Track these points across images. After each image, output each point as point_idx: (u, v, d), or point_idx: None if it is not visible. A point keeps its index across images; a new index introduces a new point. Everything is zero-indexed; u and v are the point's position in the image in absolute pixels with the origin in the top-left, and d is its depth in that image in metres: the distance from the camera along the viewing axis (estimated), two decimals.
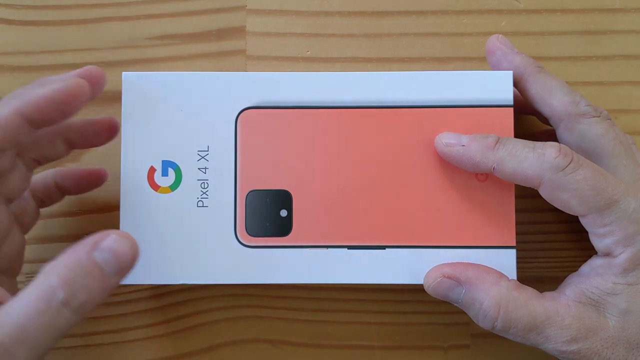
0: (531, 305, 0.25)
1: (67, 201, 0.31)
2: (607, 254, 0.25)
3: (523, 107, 0.30)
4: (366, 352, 0.31)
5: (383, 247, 0.28)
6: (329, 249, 0.28)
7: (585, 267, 0.26)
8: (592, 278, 0.25)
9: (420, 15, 0.33)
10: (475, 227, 0.27)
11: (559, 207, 0.25)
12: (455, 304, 0.27)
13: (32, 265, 0.31)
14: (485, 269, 0.27)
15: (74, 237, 0.31)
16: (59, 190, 0.30)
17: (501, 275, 0.26)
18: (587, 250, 0.31)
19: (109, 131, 0.29)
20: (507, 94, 0.28)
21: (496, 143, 0.26)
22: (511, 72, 0.28)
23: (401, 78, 0.28)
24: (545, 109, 0.28)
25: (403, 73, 0.28)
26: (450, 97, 0.28)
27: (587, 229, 0.26)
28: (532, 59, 0.28)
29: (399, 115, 0.28)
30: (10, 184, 0.26)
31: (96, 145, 0.29)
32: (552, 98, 0.27)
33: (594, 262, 0.26)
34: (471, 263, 0.27)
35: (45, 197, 0.30)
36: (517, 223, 0.27)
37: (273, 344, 0.31)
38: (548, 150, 0.25)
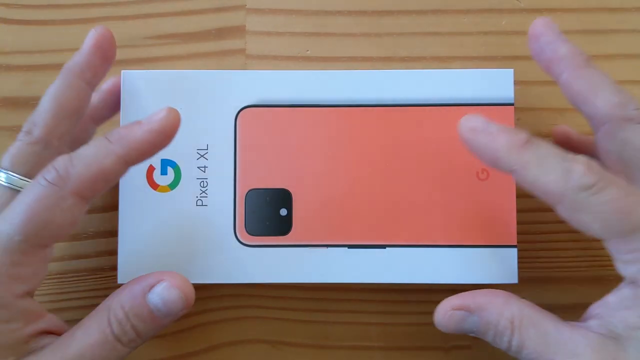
0: (544, 326, 0.23)
1: None
2: (633, 282, 0.23)
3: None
4: (366, 352, 0.31)
5: (383, 247, 0.28)
6: (329, 249, 0.27)
7: (610, 298, 0.24)
8: (617, 311, 0.23)
9: (420, 15, 0.33)
10: (476, 226, 0.27)
11: (577, 228, 0.23)
12: (472, 334, 0.25)
13: None
14: (494, 291, 0.25)
15: (73, 236, 0.31)
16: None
17: (511, 295, 0.25)
18: (588, 250, 0.31)
19: (115, 92, 0.29)
20: (507, 92, 0.28)
21: (526, 142, 0.23)
22: (512, 70, 0.28)
23: (402, 76, 0.28)
24: (586, 109, 0.25)
25: (404, 71, 0.28)
26: (451, 95, 0.28)
27: (611, 254, 0.23)
28: (579, 49, 0.25)
29: (399, 113, 0.28)
30: None
31: (115, 111, 0.30)
32: (597, 97, 0.24)
33: (621, 293, 0.23)
34: (478, 290, 0.25)
35: None
36: (519, 222, 0.27)
37: (273, 345, 0.31)
38: (576, 165, 0.22)
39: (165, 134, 0.24)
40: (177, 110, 0.24)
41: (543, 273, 0.31)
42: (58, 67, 0.32)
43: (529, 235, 0.31)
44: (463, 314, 0.25)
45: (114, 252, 0.28)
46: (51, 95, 0.25)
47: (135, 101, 0.28)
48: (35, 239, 0.23)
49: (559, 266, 0.31)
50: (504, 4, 0.33)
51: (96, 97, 0.28)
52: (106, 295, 0.31)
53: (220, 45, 0.33)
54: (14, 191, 0.24)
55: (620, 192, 0.22)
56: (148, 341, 0.25)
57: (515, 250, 0.27)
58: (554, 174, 0.22)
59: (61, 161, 0.23)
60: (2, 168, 0.25)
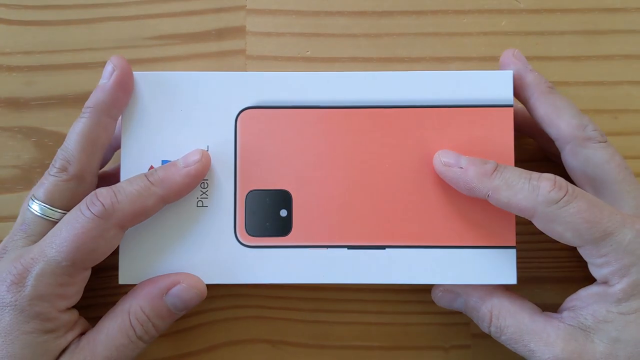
0: (520, 317, 0.26)
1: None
2: (605, 282, 0.25)
3: (521, 128, 0.30)
4: (366, 352, 0.31)
5: (383, 247, 0.28)
6: (329, 249, 0.28)
7: (583, 292, 0.26)
8: (588, 304, 0.26)
9: (420, 15, 0.33)
10: (476, 227, 0.27)
11: (553, 238, 0.26)
12: (463, 313, 0.29)
13: None
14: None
15: None
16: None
17: (497, 286, 0.28)
18: None
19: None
20: (507, 94, 0.28)
21: (494, 170, 0.26)
22: (511, 72, 0.28)
23: (401, 78, 0.28)
24: (552, 131, 0.27)
25: (403, 73, 0.28)
26: (451, 96, 0.28)
27: (584, 258, 0.26)
28: (544, 78, 0.28)
29: (399, 115, 0.28)
30: None
31: None
32: (559, 120, 0.27)
33: (592, 289, 0.26)
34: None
35: None
36: (518, 223, 0.27)
37: (273, 344, 0.31)
38: (543, 183, 0.25)
39: (200, 177, 0.27)
40: (207, 153, 0.28)
41: (542, 273, 0.31)
42: (58, 67, 0.33)
43: (528, 236, 0.31)
44: (452, 296, 0.28)
45: (114, 252, 0.28)
46: (81, 133, 0.27)
47: (135, 102, 0.28)
48: (80, 264, 0.25)
49: (558, 266, 0.31)
50: (504, 4, 0.33)
51: (117, 126, 0.29)
52: (106, 295, 0.31)
53: (220, 45, 0.33)
54: (47, 221, 0.27)
55: (587, 203, 0.25)
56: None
57: (514, 251, 0.27)
58: (523, 193, 0.25)
59: (106, 196, 0.26)
60: (36, 199, 0.27)
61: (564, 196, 0.25)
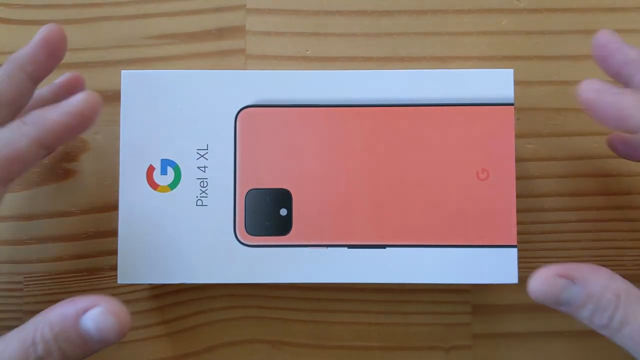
0: None
1: (66, 201, 0.31)
2: None
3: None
4: (366, 352, 0.31)
5: (383, 247, 0.28)
6: (329, 248, 0.27)
7: None
8: None
9: (420, 15, 0.33)
10: (476, 226, 0.27)
11: None
12: (563, 307, 0.23)
13: (32, 266, 0.31)
14: (597, 266, 0.24)
15: (73, 237, 0.31)
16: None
17: (614, 273, 0.23)
18: (588, 250, 0.31)
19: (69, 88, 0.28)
20: (507, 92, 0.28)
21: None
22: (512, 70, 0.28)
23: (402, 76, 0.28)
24: None
25: (404, 71, 0.28)
26: (451, 95, 0.28)
27: None
28: None
29: (399, 113, 0.28)
30: None
31: None
32: None
33: None
34: (580, 263, 0.24)
35: None
36: (519, 223, 0.27)
37: (272, 345, 0.31)
38: None
39: (83, 117, 0.24)
40: (96, 94, 0.24)
41: None
42: (58, 67, 0.32)
43: (529, 235, 0.31)
44: (565, 283, 0.23)
45: (114, 252, 0.28)
46: None
47: (135, 101, 0.28)
48: None
49: None
50: (504, 4, 0.33)
51: (48, 90, 0.27)
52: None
53: (220, 45, 0.33)
54: None
55: None
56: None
57: (515, 250, 0.27)
58: None
59: None
60: None
61: None
